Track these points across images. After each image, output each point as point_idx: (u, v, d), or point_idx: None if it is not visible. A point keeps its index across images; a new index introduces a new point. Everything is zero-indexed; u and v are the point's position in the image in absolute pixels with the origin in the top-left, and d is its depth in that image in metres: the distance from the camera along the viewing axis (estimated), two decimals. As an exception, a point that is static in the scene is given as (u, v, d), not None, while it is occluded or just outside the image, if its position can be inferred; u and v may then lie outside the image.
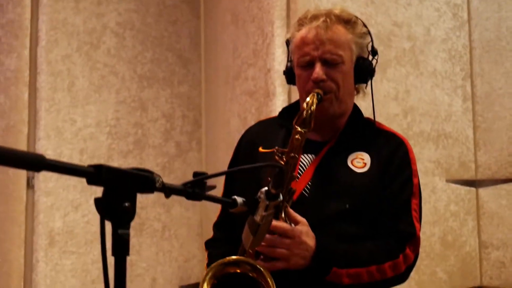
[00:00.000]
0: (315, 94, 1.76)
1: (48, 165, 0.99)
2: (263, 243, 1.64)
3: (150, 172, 1.15)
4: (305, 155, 1.87)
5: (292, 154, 1.69)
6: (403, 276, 1.84)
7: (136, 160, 3.99)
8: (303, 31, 1.87)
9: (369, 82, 1.95)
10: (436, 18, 3.60)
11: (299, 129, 1.71)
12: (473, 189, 3.60)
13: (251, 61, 3.54)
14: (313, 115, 1.72)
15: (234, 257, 1.65)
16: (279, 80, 3.22)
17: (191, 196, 1.24)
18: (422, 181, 3.40)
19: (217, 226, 2.07)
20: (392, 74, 3.45)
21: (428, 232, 3.44)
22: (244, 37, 3.64)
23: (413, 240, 1.85)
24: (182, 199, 4.04)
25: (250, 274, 1.61)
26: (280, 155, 1.70)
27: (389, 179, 1.87)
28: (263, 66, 3.39)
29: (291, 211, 1.70)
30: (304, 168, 1.87)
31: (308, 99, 1.75)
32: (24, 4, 3.71)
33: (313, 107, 1.72)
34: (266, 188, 1.56)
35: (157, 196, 4.08)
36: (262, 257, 1.69)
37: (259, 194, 1.57)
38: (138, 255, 3.96)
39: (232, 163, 2.06)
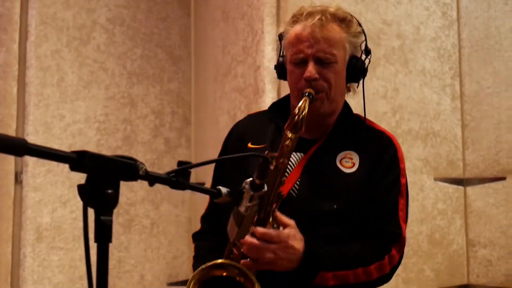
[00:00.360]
0: (307, 98, 1.75)
1: (30, 150, 0.99)
2: (248, 249, 1.65)
3: (133, 160, 1.14)
4: (294, 153, 1.85)
5: (282, 160, 1.68)
6: (388, 277, 1.85)
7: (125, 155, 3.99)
8: (298, 28, 1.85)
9: (361, 82, 1.94)
10: (426, 17, 3.62)
11: (289, 135, 1.69)
12: (461, 187, 3.62)
13: (241, 58, 3.54)
14: (305, 120, 1.70)
15: (220, 260, 1.66)
16: (268, 77, 3.22)
17: (175, 185, 1.24)
18: (410, 179, 3.40)
19: (204, 218, 2.07)
20: (381, 72, 3.46)
21: (416, 230, 3.45)
22: (234, 34, 3.64)
23: (399, 241, 1.85)
24: (171, 196, 4.03)
25: (237, 279, 1.61)
26: (270, 159, 1.69)
27: (377, 178, 1.86)
28: (252, 63, 3.39)
29: (279, 214, 1.69)
30: (292, 166, 1.87)
31: (300, 103, 1.72)
32: (14, -2, 3.71)
33: (305, 112, 1.70)
34: (250, 179, 1.57)
35: (146, 192, 4.08)
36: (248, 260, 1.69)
37: (243, 184, 1.57)
38: (126, 252, 3.95)
39: (220, 156, 2.05)
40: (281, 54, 1.96)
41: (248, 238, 1.65)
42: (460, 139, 3.64)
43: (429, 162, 3.54)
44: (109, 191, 1.08)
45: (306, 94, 1.75)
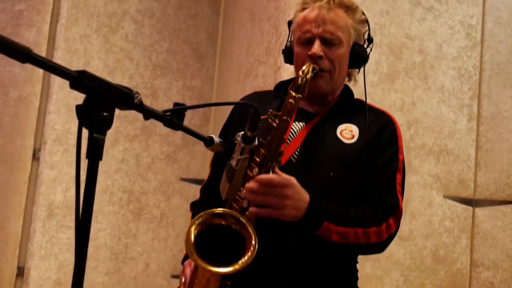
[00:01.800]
0: (311, 65, 1.82)
1: (33, 59, 1.04)
2: (256, 192, 1.67)
3: (129, 89, 1.20)
4: (297, 122, 1.93)
5: (285, 117, 1.74)
6: (383, 245, 1.89)
7: (142, 145, 4.06)
8: (306, 11, 1.94)
9: (361, 69, 2.02)
10: (450, 35, 3.65)
11: (293, 93, 1.76)
12: (470, 207, 3.62)
13: (263, 59, 3.60)
14: (308, 83, 1.77)
15: (221, 209, 1.68)
16: (288, 78, 3.27)
17: (169, 123, 1.29)
18: (419, 193, 3.47)
19: (204, 189, 2.12)
20: (400, 85, 3.49)
21: (421, 244, 3.47)
22: (259, 35, 3.70)
23: (396, 212, 1.89)
24: (183, 189, 4.08)
25: (233, 227, 1.64)
26: (273, 117, 1.75)
27: (376, 153, 1.92)
28: (273, 64, 3.44)
29: (279, 171, 1.73)
30: (294, 135, 1.92)
31: (304, 67, 1.80)
32: (49, -19, 3.82)
33: (309, 75, 1.78)
34: (242, 132, 1.62)
35: (159, 183, 4.14)
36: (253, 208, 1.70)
37: (235, 137, 1.63)
38: (134, 239, 4.02)
39: (226, 123, 2.11)
40: (289, 39, 2.03)
41: (250, 183, 1.68)
42: (473, 159, 3.65)
43: (440, 179, 3.55)
44: (104, 113, 1.13)
45: (311, 67, 1.81)
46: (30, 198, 3.73)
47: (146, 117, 1.25)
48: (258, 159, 1.72)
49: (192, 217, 2.02)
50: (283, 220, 1.72)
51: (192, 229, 1.61)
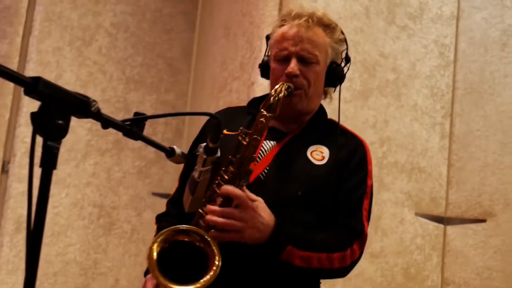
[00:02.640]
0: (285, 84, 1.82)
1: None
2: (217, 215, 1.67)
3: (86, 97, 1.17)
4: (267, 141, 1.93)
5: (255, 136, 1.74)
6: (347, 270, 1.88)
7: (113, 159, 4.03)
8: (285, 28, 1.94)
9: (337, 88, 2.04)
10: (423, 54, 3.67)
11: (264, 112, 1.76)
12: (441, 225, 3.63)
13: (237, 74, 3.59)
14: (280, 102, 1.77)
15: (185, 226, 1.67)
16: (261, 94, 3.26)
17: (128, 133, 1.27)
18: (391, 210, 3.47)
19: (171, 202, 2.10)
20: (373, 103, 3.50)
21: (392, 262, 3.47)
22: (234, 50, 3.70)
23: (361, 237, 1.90)
24: (155, 204, 4.02)
25: (197, 244, 1.62)
26: (243, 135, 1.75)
27: (345, 177, 1.92)
28: (247, 79, 3.44)
29: (247, 190, 1.73)
30: (265, 153, 1.92)
31: (277, 86, 1.81)
32: (22, -7, 3.79)
33: (281, 95, 1.78)
34: (205, 143, 1.61)
35: (131, 198, 4.09)
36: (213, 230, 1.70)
37: (198, 148, 1.62)
38: (104, 254, 3.96)
39: (196, 140, 2.10)
40: (267, 53, 2.04)
41: (212, 206, 1.68)
42: (445, 177, 3.66)
43: (411, 196, 3.57)
44: (60, 121, 1.10)
45: (285, 86, 1.82)
46: (-2, 212, 3.68)
47: (104, 126, 1.22)
48: (227, 177, 1.71)
49: (157, 229, 2.01)
50: (245, 242, 1.71)
51: (155, 246, 1.60)
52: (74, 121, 3.73)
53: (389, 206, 3.49)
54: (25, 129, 3.70)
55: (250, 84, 3.38)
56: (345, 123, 2.09)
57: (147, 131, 4.41)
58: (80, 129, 3.90)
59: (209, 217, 1.68)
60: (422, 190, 3.60)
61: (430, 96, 3.67)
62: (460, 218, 3.61)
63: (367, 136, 3.42)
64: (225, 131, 1.84)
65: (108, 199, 4.00)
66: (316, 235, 1.83)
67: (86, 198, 3.93)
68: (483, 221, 3.49)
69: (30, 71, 3.75)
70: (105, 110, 4.04)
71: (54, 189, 3.75)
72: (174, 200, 2.08)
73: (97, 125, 3.93)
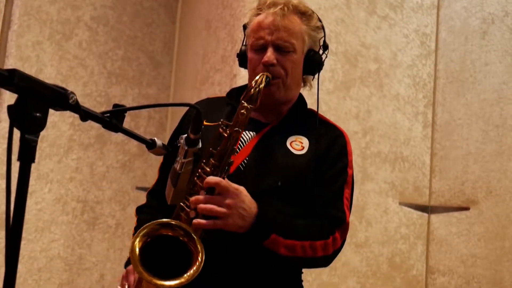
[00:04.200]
0: (264, 75, 1.82)
1: None
2: (201, 201, 1.66)
3: (64, 89, 1.16)
4: (247, 132, 1.92)
5: (236, 128, 1.73)
6: (329, 259, 1.88)
7: (96, 154, 4.00)
8: (261, 16, 1.93)
9: (316, 76, 2.02)
10: (404, 44, 3.69)
11: (245, 104, 1.75)
12: (425, 214, 3.65)
13: (219, 67, 3.59)
14: (261, 93, 1.77)
15: (167, 219, 1.66)
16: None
17: (108, 125, 1.25)
18: (375, 200, 3.48)
19: (151, 194, 2.10)
20: (355, 93, 3.51)
21: (377, 251, 3.48)
22: (215, 43, 3.69)
23: (342, 226, 1.89)
24: (139, 198, 4.00)
25: (181, 238, 1.61)
26: (224, 127, 1.74)
27: (325, 166, 1.91)
28: (229, 72, 3.43)
29: (228, 181, 1.71)
30: (244, 144, 1.91)
31: (257, 77, 1.80)
32: (0, -13, 3.75)
33: (261, 86, 1.78)
34: (186, 135, 1.60)
35: (114, 192, 4.06)
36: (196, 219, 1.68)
37: (179, 139, 1.61)
38: (88, 249, 3.94)
39: (176, 130, 2.10)
40: (244, 43, 2.02)
41: (196, 196, 1.67)
42: (428, 166, 3.68)
43: (395, 186, 3.58)
44: (37, 114, 1.09)
45: (265, 77, 1.81)
46: (-20, 209, 3.64)
47: (83, 119, 1.21)
48: (208, 169, 1.70)
49: (137, 221, 2.00)
50: (229, 230, 1.70)
51: (137, 241, 1.58)
52: (56, 116, 3.70)
53: (373, 196, 3.51)
54: (6, 124, 3.66)
55: (233, 76, 3.37)
56: (328, 113, 2.09)
57: (130, 125, 4.41)
58: (62, 123, 3.87)
59: (194, 201, 1.66)
60: (405, 180, 3.61)
61: (412, 85, 3.68)
62: (444, 206, 3.63)
63: (350, 127, 3.44)
64: (205, 122, 1.84)
65: (92, 194, 3.97)
66: (298, 222, 1.83)
67: (69, 193, 3.90)
68: (467, 209, 3.51)
69: (10, 66, 3.70)
70: (87, 104, 4.02)
71: (36, 185, 3.74)
72: (154, 192, 2.08)
73: (79, 119, 3.91)
